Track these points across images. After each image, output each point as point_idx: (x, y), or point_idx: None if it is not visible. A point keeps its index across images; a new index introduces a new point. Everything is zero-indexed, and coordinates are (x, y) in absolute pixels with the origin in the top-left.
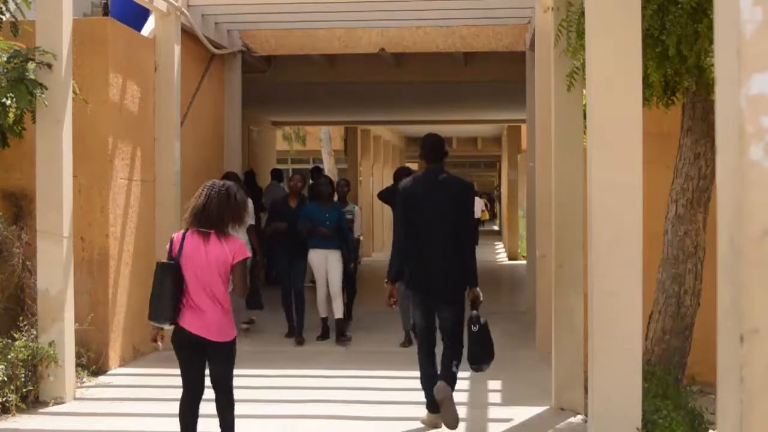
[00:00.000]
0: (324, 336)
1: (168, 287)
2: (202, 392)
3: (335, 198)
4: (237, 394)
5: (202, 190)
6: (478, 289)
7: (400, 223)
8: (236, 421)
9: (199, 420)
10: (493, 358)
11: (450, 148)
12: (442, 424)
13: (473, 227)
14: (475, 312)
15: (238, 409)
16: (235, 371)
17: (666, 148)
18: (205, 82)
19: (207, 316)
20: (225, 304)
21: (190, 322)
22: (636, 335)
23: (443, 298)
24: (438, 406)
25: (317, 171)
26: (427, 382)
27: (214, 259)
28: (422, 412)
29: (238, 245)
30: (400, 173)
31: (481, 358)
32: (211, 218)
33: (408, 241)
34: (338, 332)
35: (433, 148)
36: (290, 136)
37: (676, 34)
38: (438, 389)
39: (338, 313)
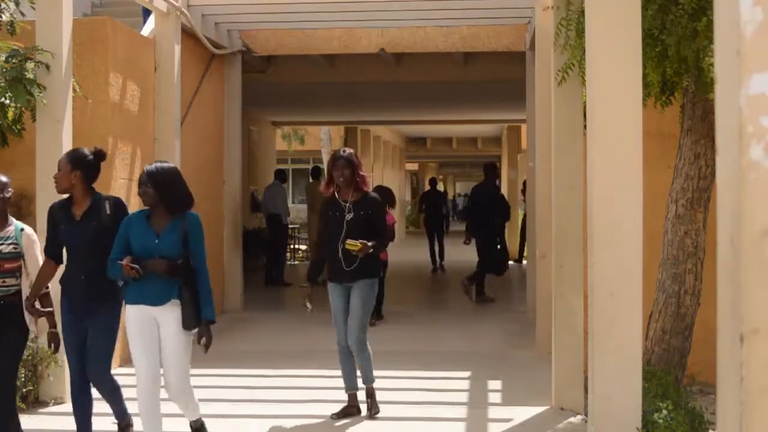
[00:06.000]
0: None
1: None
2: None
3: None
4: (239, 394)
5: None
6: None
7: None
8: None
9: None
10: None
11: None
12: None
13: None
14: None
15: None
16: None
17: (666, 148)
18: (205, 82)
19: None
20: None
21: None
22: (636, 335)
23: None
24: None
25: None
26: None
27: None
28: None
29: (389, 222)
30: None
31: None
32: None
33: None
34: None
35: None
36: (289, 136)
37: (676, 34)
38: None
39: (190, 413)
